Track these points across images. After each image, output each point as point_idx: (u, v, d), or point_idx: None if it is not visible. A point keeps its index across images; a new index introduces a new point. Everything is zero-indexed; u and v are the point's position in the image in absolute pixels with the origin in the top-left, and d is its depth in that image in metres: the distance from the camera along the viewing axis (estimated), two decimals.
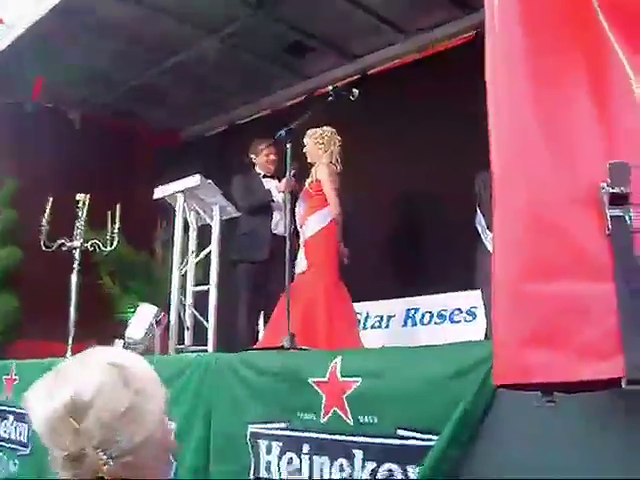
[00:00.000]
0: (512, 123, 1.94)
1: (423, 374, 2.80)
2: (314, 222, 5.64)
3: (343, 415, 3.01)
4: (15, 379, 5.53)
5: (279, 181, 6.18)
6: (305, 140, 5.79)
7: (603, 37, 1.95)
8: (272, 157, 6.33)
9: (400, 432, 2.78)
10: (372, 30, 7.43)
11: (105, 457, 1.30)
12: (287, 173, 5.05)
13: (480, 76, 2.05)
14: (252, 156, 6.42)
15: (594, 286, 1.73)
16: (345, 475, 2.94)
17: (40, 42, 7.27)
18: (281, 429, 3.31)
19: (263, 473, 3.32)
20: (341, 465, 2.97)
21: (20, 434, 5.29)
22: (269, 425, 3.37)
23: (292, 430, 3.26)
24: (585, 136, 1.87)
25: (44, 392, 1.37)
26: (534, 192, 1.83)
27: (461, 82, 5.24)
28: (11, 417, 5.45)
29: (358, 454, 2.91)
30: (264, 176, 6.38)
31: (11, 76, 7.97)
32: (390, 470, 2.78)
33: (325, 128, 5.80)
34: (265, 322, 6.01)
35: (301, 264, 5.61)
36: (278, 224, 6.14)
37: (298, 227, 5.75)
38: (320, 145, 5.76)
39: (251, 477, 3.38)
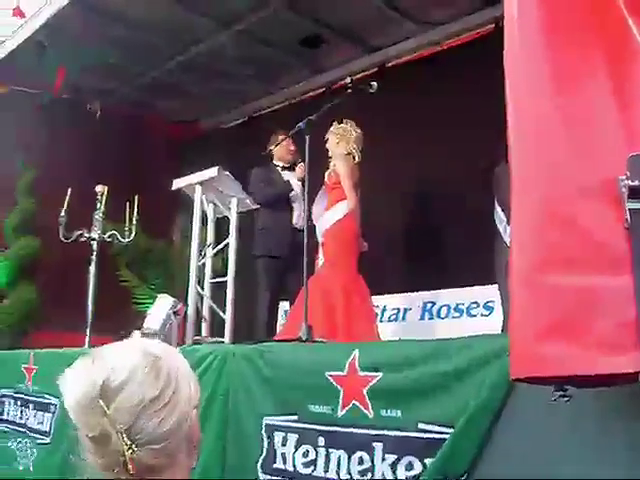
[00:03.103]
0: (530, 114, 1.93)
1: (442, 367, 2.79)
2: (331, 215, 5.65)
3: (363, 408, 3.01)
4: (34, 368, 5.57)
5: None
6: (328, 134, 5.83)
7: (624, 24, 1.92)
8: (291, 147, 6.33)
9: (421, 426, 2.78)
10: (390, 22, 7.39)
11: (129, 442, 1.32)
12: (305, 167, 5.02)
13: (499, 69, 2.04)
14: (271, 148, 6.41)
15: (612, 279, 1.72)
16: (364, 467, 2.94)
17: (59, 34, 7.32)
18: (295, 421, 3.32)
19: (279, 464, 3.33)
20: (360, 458, 2.98)
21: (40, 423, 5.33)
22: (284, 417, 3.38)
23: (306, 422, 3.27)
24: (604, 127, 1.85)
25: (80, 373, 1.40)
26: (552, 184, 1.82)
27: (480, 75, 5.23)
28: (31, 406, 5.49)
29: (378, 447, 2.91)
30: (283, 168, 6.39)
31: (31, 67, 8.01)
32: (410, 463, 2.78)
33: (345, 121, 5.82)
34: (285, 315, 6.03)
35: (320, 258, 5.62)
36: (299, 218, 6.16)
37: (314, 221, 5.73)
38: (337, 137, 5.78)
39: (259, 468, 3.40)
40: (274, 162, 6.46)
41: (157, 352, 1.44)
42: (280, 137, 6.17)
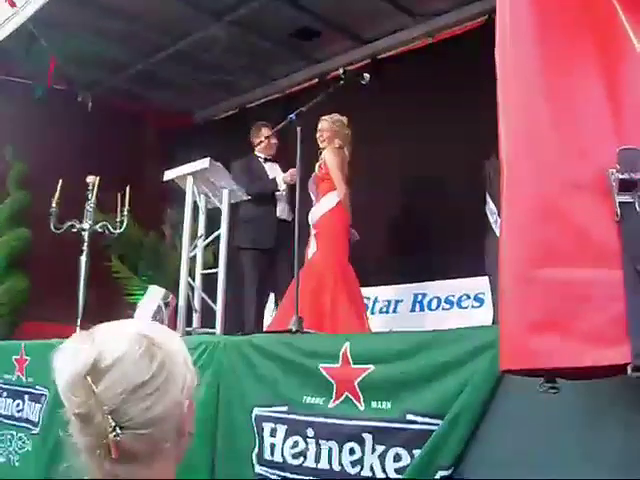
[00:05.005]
0: (521, 108, 1.93)
1: (433, 359, 2.81)
2: (321, 206, 5.66)
3: (355, 400, 3.03)
4: (26, 360, 5.55)
5: (279, 165, 6.32)
6: (322, 124, 5.81)
7: (616, 21, 1.93)
8: (273, 141, 6.39)
9: (409, 417, 2.79)
10: (383, 14, 7.37)
11: (114, 424, 1.30)
12: (297, 159, 5.00)
13: (491, 61, 2.04)
14: (254, 139, 6.46)
15: (601, 272, 1.73)
16: (355, 458, 2.95)
17: (50, 24, 7.28)
18: (285, 412, 3.33)
19: (267, 455, 3.33)
20: (351, 449, 2.99)
21: (32, 413, 5.32)
22: (274, 408, 3.39)
23: (296, 414, 3.28)
24: (595, 121, 1.86)
25: (72, 349, 1.37)
26: (542, 178, 1.82)
27: (473, 67, 5.23)
28: (26, 397, 5.47)
29: (368, 438, 2.92)
30: (265, 160, 6.43)
31: (21, 57, 7.97)
32: (398, 454, 2.80)
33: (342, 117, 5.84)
34: (274, 307, 6.04)
35: (311, 249, 5.64)
36: (283, 211, 6.22)
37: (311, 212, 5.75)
38: (338, 130, 5.78)
39: (255, 459, 3.40)
40: (255, 153, 6.51)
41: (155, 336, 1.40)
42: (263, 130, 6.27)
